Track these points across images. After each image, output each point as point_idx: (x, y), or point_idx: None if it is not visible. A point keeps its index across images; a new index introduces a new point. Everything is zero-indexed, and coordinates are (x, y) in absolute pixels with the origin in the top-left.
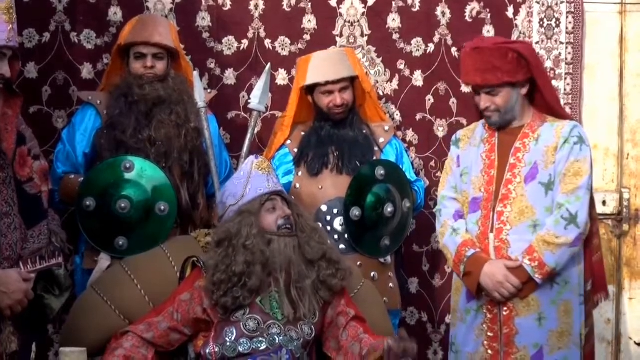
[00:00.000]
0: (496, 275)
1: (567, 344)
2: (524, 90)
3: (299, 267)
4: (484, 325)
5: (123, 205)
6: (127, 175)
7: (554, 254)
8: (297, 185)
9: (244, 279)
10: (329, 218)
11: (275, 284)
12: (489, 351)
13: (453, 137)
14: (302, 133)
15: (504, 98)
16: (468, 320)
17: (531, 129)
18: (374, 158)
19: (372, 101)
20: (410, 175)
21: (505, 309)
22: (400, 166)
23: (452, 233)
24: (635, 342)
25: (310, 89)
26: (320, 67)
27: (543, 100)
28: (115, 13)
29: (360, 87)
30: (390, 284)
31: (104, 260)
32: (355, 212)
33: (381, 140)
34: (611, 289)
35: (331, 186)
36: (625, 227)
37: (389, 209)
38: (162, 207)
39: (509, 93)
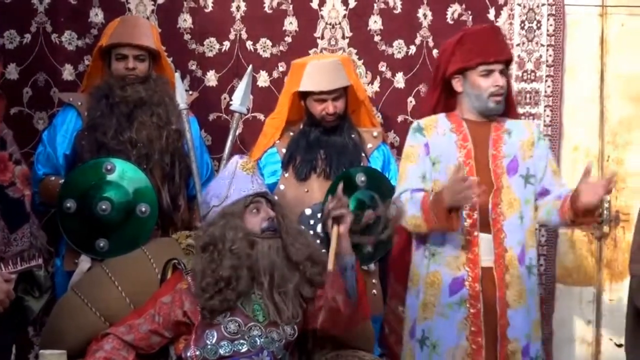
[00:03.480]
0: (453, 183)
1: (541, 334)
2: None
3: (282, 270)
4: (467, 320)
5: (104, 206)
6: (108, 177)
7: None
8: (282, 187)
9: (233, 283)
10: (312, 222)
11: (259, 288)
12: (473, 346)
13: (415, 125)
14: (291, 134)
15: (505, 79)
16: (450, 314)
17: (498, 123)
18: (361, 165)
19: (365, 108)
20: (396, 182)
21: (499, 300)
22: (387, 172)
23: (411, 199)
24: (615, 344)
25: (303, 94)
26: (316, 76)
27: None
28: (96, 14)
29: (354, 93)
30: (374, 291)
31: (84, 262)
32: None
33: (369, 145)
34: (591, 290)
35: (317, 190)
36: (606, 228)
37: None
38: (143, 209)
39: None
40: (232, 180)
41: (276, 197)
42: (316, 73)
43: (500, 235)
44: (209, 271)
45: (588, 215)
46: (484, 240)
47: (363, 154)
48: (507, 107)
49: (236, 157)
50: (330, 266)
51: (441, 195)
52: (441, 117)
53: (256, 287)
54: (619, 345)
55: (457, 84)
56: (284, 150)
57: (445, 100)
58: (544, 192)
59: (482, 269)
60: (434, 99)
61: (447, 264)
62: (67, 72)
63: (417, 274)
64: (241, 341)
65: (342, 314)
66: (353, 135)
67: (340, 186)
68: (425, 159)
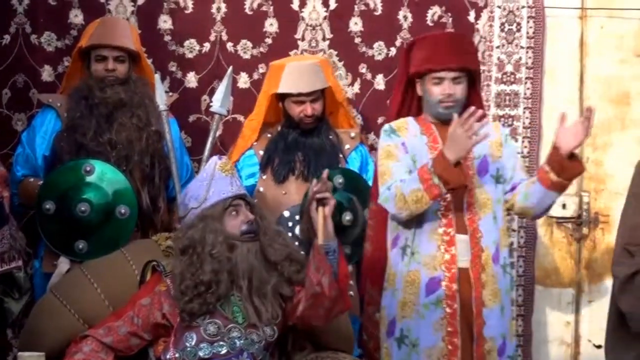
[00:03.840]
0: (453, 133)
1: (514, 333)
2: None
3: (261, 272)
4: (443, 321)
5: (83, 208)
6: (88, 179)
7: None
8: (261, 189)
9: (213, 287)
10: (290, 224)
11: (238, 291)
12: (449, 346)
13: (387, 128)
14: (269, 136)
15: (463, 88)
16: (426, 314)
17: None
18: (339, 166)
19: (344, 110)
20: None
21: (475, 300)
22: (365, 173)
23: (403, 181)
24: (594, 345)
25: (281, 96)
26: (294, 78)
27: (471, 103)
28: (76, 15)
29: (332, 95)
30: (351, 292)
31: (63, 264)
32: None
33: (347, 146)
34: (570, 291)
35: (295, 192)
36: (585, 230)
37: (347, 217)
38: (123, 211)
39: (466, 84)
40: (211, 182)
41: (255, 200)
42: (294, 75)
43: (476, 235)
44: (188, 274)
45: (574, 163)
46: (461, 241)
47: (341, 156)
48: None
49: (215, 159)
50: (320, 240)
51: (441, 153)
52: (410, 120)
53: (235, 290)
54: (598, 347)
55: (418, 88)
56: (261, 152)
57: (410, 102)
58: (514, 188)
59: (458, 269)
60: (399, 100)
61: (425, 263)
62: (47, 73)
63: (394, 274)
64: (221, 343)
65: (327, 298)
66: (331, 137)
67: (326, 172)
68: (407, 157)
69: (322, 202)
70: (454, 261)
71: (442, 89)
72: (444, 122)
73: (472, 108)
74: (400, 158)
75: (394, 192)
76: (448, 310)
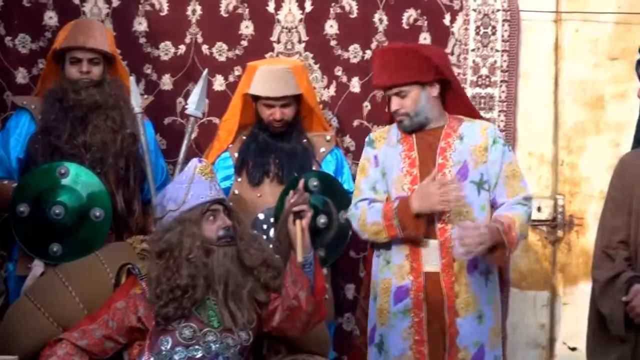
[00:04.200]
0: (428, 187)
1: (499, 341)
2: (434, 91)
3: (237, 277)
4: (411, 329)
5: (57, 211)
6: (62, 181)
7: (521, 239)
8: (236, 191)
9: (189, 291)
10: (265, 227)
11: (214, 295)
12: (417, 355)
13: (367, 138)
14: (244, 138)
15: (413, 99)
16: (395, 323)
17: (452, 129)
18: (314, 169)
19: (316, 116)
20: (349, 185)
21: (448, 310)
22: (340, 176)
23: (371, 208)
24: (569, 347)
25: (255, 97)
26: (264, 81)
27: (456, 103)
28: (50, 17)
29: (305, 100)
30: (326, 295)
31: (37, 267)
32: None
33: (322, 150)
34: (545, 294)
35: (270, 195)
36: (560, 233)
37: (321, 220)
38: (97, 213)
39: (418, 94)
40: (190, 185)
41: (230, 202)
42: (265, 78)
43: (447, 245)
44: (164, 278)
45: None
46: (431, 245)
47: (314, 160)
48: (463, 109)
49: (195, 161)
50: (299, 258)
51: (408, 201)
52: (394, 126)
53: (211, 294)
54: (573, 349)
55: None
56: (236, 155)
57: None
58: (494, 204)
59: (427, 274)
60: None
61: (394, 272)
62: (21, 76)
63: (374, 281)
64: (196, 347)
65: (303, 312)
66: (304, 141)
67: (302, 182)
68: (376, 171)
69: (298, 214)
70: (419, 270)
71: (391, 105)
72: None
73: (455, 179)
74: (369, 173)
75: (359, 213)
76: (415, 319)
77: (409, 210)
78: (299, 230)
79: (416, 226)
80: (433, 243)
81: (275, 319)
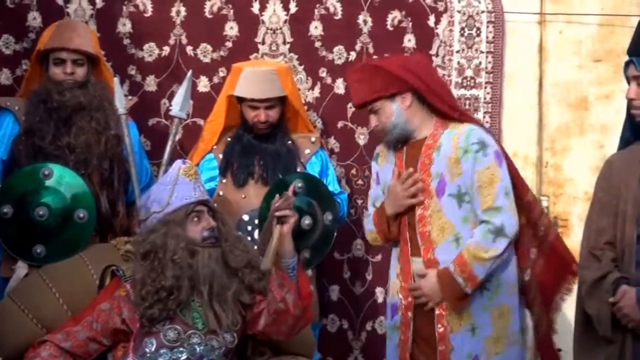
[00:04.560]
0: (394, 188)
1: (503, 347)
2: (407, 102)
3: (221, 278)
4: (397, 347)
5: (41, 212)
6: (46, 182)
7: (484, 266)
8: (221, 193)
9: (174, 293)
10: (249, 228)
11: (199, 297)
12: None
13: (375, 152)
14: (228, 139)
15: (386, 114)
16: (391, 337)
17: (433, 139)
18: (299, 171)
19: (301, 117)
20: (334, 187)
21: (439, 326)
22: (325, 178)
23: (367, 216)
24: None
25: (240, 98)
26: (249, 83)
27: (438, 106)
28: (34, 18)
29: (290, 102)
30: None
31: (21, 269)
32: None
33: (307, 151)
34: None
35: (254, 196)
36: None
37: (306, 221)
38: (81, 215)
39: (390, 108)
40: (175, 187)
41: (215, 204)
42: (250, 80)
43: (432, 265)
44: (149, 280)
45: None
46: (417, 263)
47: (299, 161)
48: (444, 112)
49: (179, 162)
50: (268, 264)
51: (382, 205)
52: None
53: (196, 296)
54: (558, 350)
55: None
56: (221, 156)
57: None
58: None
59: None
60: None
61: (389, 289)
62: (4, 77)
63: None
64: (181, 349)
65: (291, 316)
66: (288, 143)
67: (292, 188)
68: (377, 188)
69: (281, 219)
70: (407, 290)
71: (369, 123)
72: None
73: (410, 170)
74: (372, 188)
75: (368, 221)
76: (402, 337)
77: (382, 214)
78: (276, 235)
79: (387, 230)
80: (418, 261)
81: (261, 323)
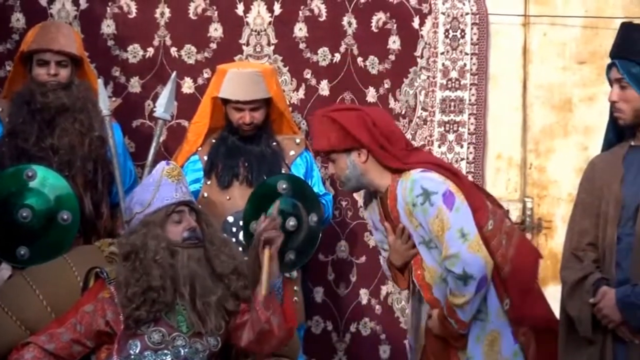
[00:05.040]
0: (394, 244)
1: None
2: (362, 158)
3: (204, 280)
4: None
5: (25, 214)
6: (30, 184)
7: (465, 311)
8: (206, 194)
9: (160, 292)
10: (234, 230)
11: (181, 298)
12: None
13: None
14: (213, 141)
15: (340, 166)
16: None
17: (392, 194)
18: (283, 172)
19: (286, 119)
20: (319, 188)
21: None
22: (310, 179)
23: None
24: None
25: (224, 100)
26: (234, 85)
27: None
28: (18, 19)
29: (274, 104)
30: (295, 298)
31: (4, 271)
32: (255, 225)
33: (292, 153)
34: None
35: (239, 197)
36: (528, 235)
37: (290, 222)
38: (65, 216)
39: (344, 161)
40: (157, 188)
41: (199, 205)
42: (235, 82)
43: (434, 303)
44: (133, 280)
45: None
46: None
47: (284, 163)
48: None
49: (162, 164)
50: (263, 291)
51: (389, 259)
52: None
53: (178, 298)
54: None
55: None
56: (205, 158)
57: None
58: None
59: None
60: None
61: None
62: None
63: None
64: (165, 351)
65: (275, 337)
66: (273, 144)
67: (276, 207)
68: (377, 233)
69: (268, 241)
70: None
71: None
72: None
73: (401, 225)
74: (374, 234)
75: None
76: None
77: (392, 268)
78: (266, 259)
79: (395, 278)
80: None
81: (244, 339)
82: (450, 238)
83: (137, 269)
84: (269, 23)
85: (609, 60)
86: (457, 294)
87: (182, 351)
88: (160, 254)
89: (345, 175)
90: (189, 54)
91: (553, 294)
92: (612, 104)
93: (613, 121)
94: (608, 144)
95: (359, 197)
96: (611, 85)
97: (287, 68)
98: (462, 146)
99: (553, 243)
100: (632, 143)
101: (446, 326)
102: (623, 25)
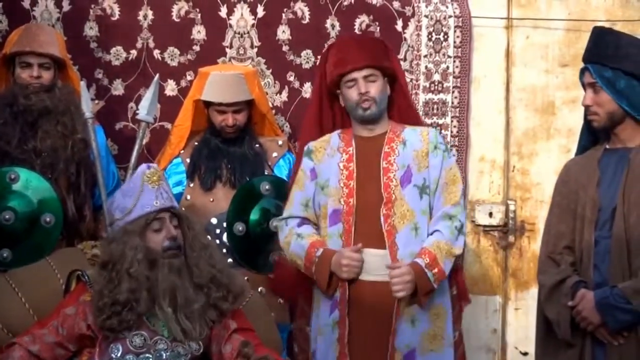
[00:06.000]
0: (340, 260)
1: (439, 346)
2: (389, 90)
3: (186, 291)
4: (338, 342)
5: (7, 216)
6: (12, 187)
7: (451, 263)
8: (188, 197)
9: (131, 305)
10: (218, 231)
11: (160, 309)
12: None
13: (305, 149)
14: (195, 144)
15: (379, 87)
16: (328, 335)
17: (395, 134)
18: (266, 174)
19: (268, 121)
20: None
21: (395, 315)
22: None
23: (297, 238)
24: (520, 352)
25: (207, 103)
26: (216, 87)
27: (398, 109)
28: (0, 22)
29: (257, 106)
30: (280, 300)
31: None
32: (239, 227)
33: (274, 154)
34: (497, 299)
35: (223, 199)
36: (511, 238)
37: (274, 223)
38: (48, 219)
39: (383, 84)
40: (137, 194)
41: (182, 208)
42: (217, 84)
43: (394, 249)
44: (106, 291)
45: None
46: (373, 255)
47: (267, 165)
48: (405, 114)
49: (143, 167)
50: None
51: (329, 258)
52: (334, 136)
53: (157, 309)
54: (524, 354)
55: (340, 100)
56: (188, 160)
57: (338, 117)
58: (432, 209)
59: (379, 283)
60: (316, 111)
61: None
62: None
63: (315, 293)
64: (147, 355)
65: None
66: (256, 146)
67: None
68: (311, 185)
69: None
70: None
71: (357, 88)
72: (369, 127)
73: (359, 245)
74: (305, 187)
75: (287, 232)
76: (340, 331)
77: (326, 266)
78: None
79: (326, 284)
80: (375, 253)
81: None
82: (459, 190)
83: (112, 280)
84: (252, 25)
85: None
86: (453, 245)
87: (164, 355)
88: (135, 266)
89: (381, 97)
90: (172, 56)
91: (536, 297)
92: (586, 107)
93: (588, 125)
94: (583, 148)
95: None
96: (585, 89)
97: (270, 70)
98: None
99: (536, 246)
100: (607, 146)
101: (421, 279)
102: (595, 29)
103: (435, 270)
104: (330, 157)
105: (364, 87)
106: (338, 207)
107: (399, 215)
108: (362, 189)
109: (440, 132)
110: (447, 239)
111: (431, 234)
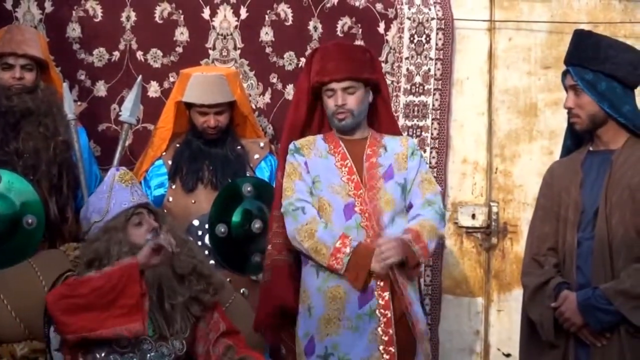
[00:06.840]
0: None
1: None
2: (370, 98)
3: (170, 282)
4: (379, 329)
5: None
6: None
7: (434, 244)
8: (170, 199)
9: None
10: (200, 233)
11: (148, 301)
12: (385, 355)
13: (291, 147)
14: (177, 145)
15: (358, 98)
16: (360, 326)
17: (375, 140)
18: (248, 175)
19: (250, 122)
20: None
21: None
22: (274, 182)
23: (326, 227)
24: (503, 354)
25: (188, 104)
26: (198, 89)
27: (378, 116)
28: None
29: (238, 107)
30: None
31: None
32: (221, 228)
33: (256, 156)
34: (480, 301)
35: (204, 201)
36: (494, 240)
37: (256, 225)
38: (30, 221)
39: (363, 94)
40: (112, 194)
41: (164, 210)
42: (199, 86)
43: (381, 226)
44: None
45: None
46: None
47: (248, 166)
48: (384, 123)
49: (112, 170)
50: None
51: (369, 251)
52: (318, 138)
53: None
54: (507, 355)
55: (324, 103)
56: (170, 162)
57: (321, 118)
58: (409, 206)
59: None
60: (303, 117)
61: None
62: None
63: (307, 290)
64: (131, 355)
65: None
66: (238, 148)
67: None
68: (308, 177)
69: None
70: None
71: (334, 99)
72: (348, 135)
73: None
74: (302, 177)
75: (307, 218)
76: (383, 319)
77: (366, 263)
78: None
79: (360, 277)
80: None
81: None
82: (437, 186)
83: None
84: (235, 27)
85: None
86: (438, 227)
87: (148, 355)
88: (122, 258)
89: (359, 108)
90: (155, 57)
91: (519, 298)
92: (569, 110)
93: (571, 127)
94: (567, 151)
95: None
96: (567, 91)
97: (253, 72)
98: (425, 151)
99: (519, 247)
100: (591, 148)
101: (407, 250)
102: (576, 32)
103: (421, 245)
104: (320, 157)
105: (341, 99)
106: (349, 200)
107: (384, 201)
108: (364, 183)
109: (420, 134)
110: (430, 220)
111: (414, 218)
